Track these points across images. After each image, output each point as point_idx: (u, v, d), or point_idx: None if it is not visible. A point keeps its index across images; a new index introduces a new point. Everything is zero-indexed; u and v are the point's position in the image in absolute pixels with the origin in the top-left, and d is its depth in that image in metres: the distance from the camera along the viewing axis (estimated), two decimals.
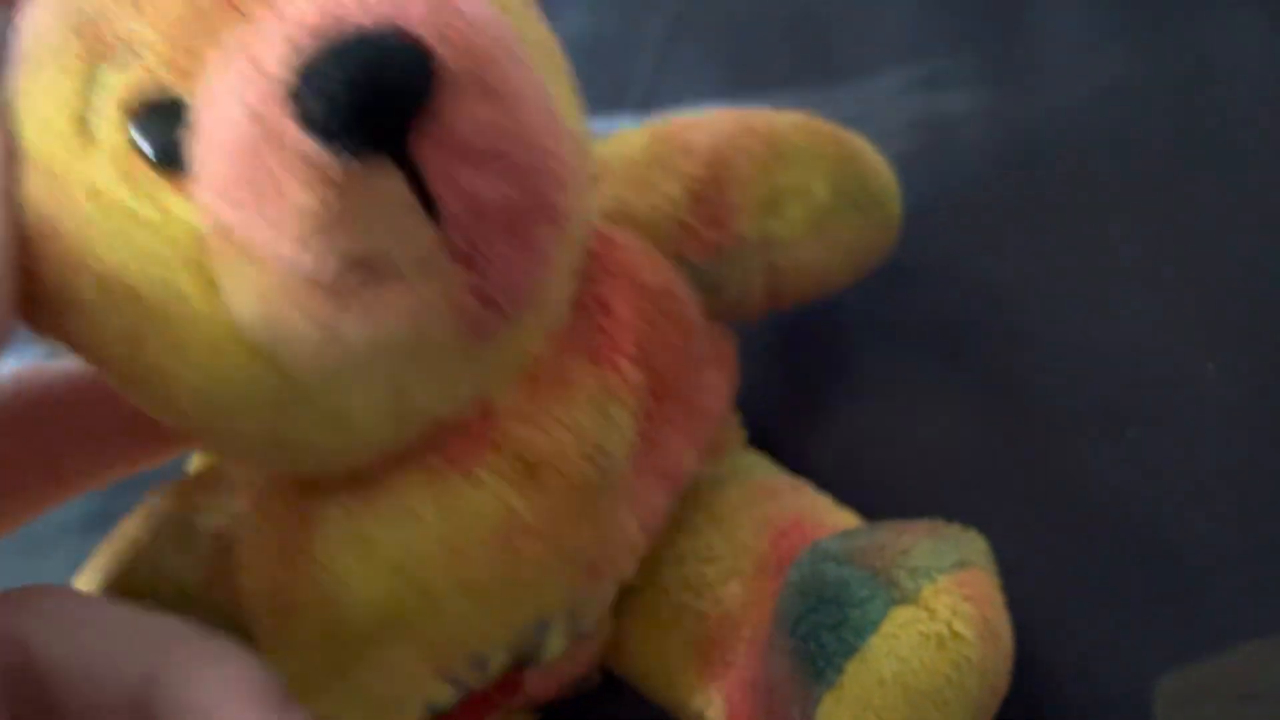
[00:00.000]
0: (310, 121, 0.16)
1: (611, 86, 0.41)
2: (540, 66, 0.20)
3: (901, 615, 0.22)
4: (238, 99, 0.16)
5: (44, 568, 0.28)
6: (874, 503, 0.28)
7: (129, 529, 0.25)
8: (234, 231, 0.17)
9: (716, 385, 0.27)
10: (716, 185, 0.27)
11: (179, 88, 0.18)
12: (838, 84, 0.30)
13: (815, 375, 0.34)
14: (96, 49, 0.19)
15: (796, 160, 0.28)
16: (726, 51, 0.34)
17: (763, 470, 0.30)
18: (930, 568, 0.23)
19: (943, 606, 0.22)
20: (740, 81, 0.30)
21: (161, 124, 0.18)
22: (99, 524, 0.26)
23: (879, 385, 0.33)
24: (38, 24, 0.20)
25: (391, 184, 0.16)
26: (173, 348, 0.19)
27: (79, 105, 0.19)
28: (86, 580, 0.25)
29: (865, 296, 0.35)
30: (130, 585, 0.24)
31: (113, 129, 0.19)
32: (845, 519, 0.28)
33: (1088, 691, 0.26)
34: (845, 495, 0.29)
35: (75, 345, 0.20)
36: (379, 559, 0.22)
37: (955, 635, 0.22)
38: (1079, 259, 0.32)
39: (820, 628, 0.23)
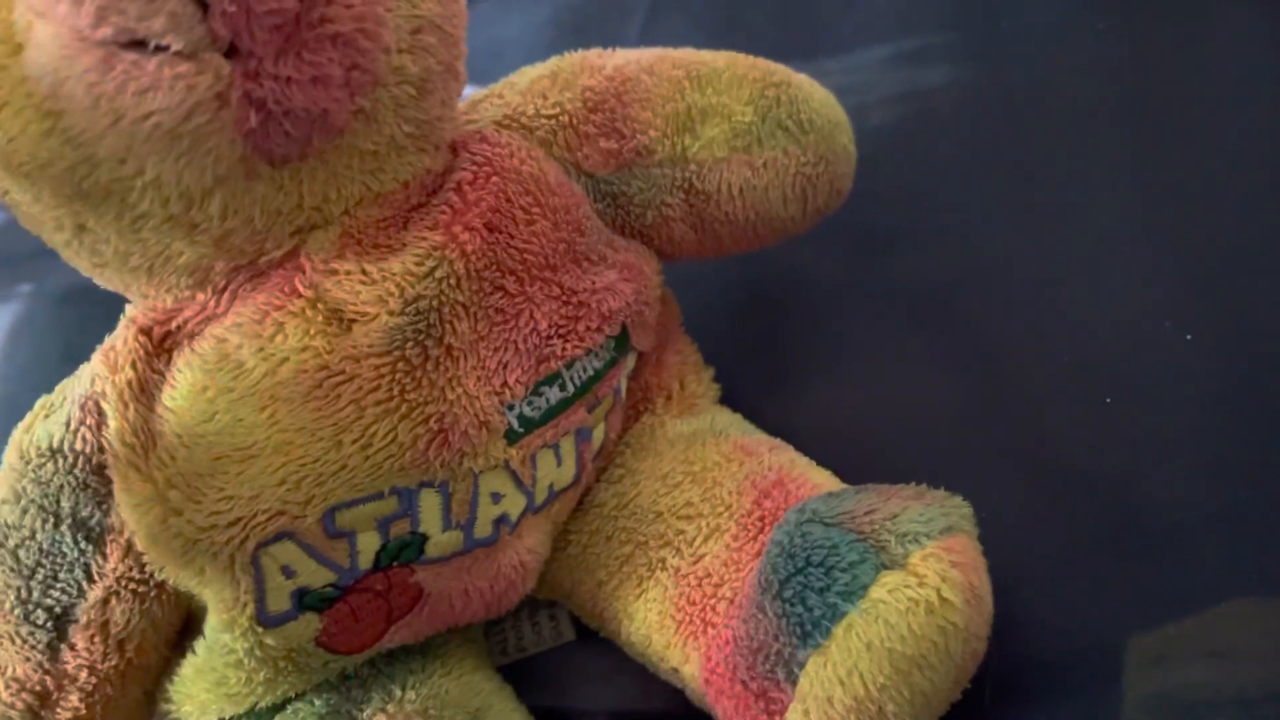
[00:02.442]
0: None
1: None
2: None
3: (890, 580, 0.23)
4: None
5: None
6: (854, 466, 0.28)
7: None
8: None
9: (614, 289, 0.28)
10: (618, 98, 0.28)
11: None
12: (825, 56, 0.30)
13: (796, 341, 0.35)
14: None
15: (714, 83, 0.28)
16: (712, 22, 0.33)
17: (741, 429, 0.31)
18: (919, 533, 0.23)
19: (931, 572, 0.23)
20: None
21: None
22: None
23: (860, 351, 0.34)
24: None
25: None
26: None
27: None
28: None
29: (846, 263, 0.35)
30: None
31: None
32: (826, 478, 0.28)
33: (1061, 649, 0.27)
34: (825, 459, 0.29)
35: None
36: (212, 403, 0.23)
37: (944, 601, 0.22)
38: (1059, 230, 0.33)
39: (808, 590, 0.24)
